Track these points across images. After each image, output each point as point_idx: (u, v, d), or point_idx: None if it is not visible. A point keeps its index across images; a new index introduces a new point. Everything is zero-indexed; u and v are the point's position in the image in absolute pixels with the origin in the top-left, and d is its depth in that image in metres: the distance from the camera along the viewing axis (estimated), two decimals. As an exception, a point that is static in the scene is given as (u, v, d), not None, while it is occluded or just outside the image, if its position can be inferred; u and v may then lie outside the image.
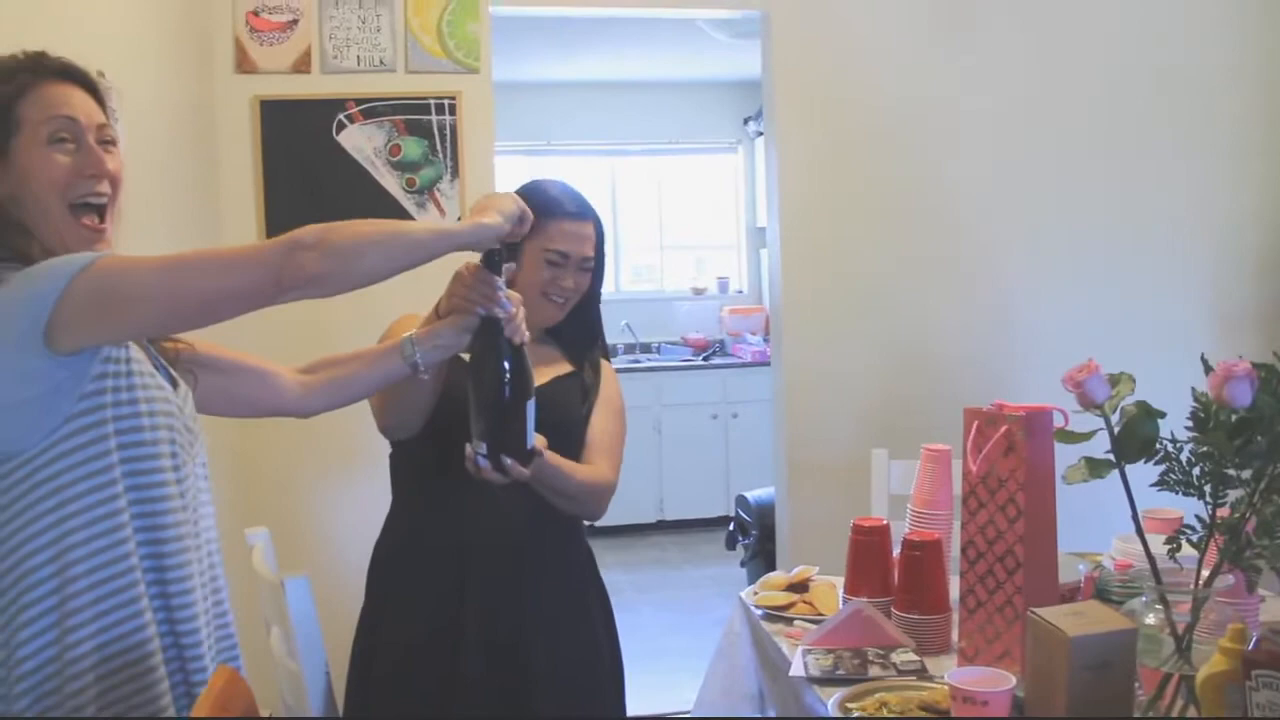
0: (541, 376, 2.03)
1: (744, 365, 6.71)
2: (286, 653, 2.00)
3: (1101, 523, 2.06)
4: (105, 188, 1.46)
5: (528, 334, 1.76)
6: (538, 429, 1.81)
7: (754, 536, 4.65)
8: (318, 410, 1.79)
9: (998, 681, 1.51)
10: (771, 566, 4.01)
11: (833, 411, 3.75)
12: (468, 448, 1.75)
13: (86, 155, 1.44)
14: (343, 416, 1.97)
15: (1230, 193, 3.95)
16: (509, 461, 1.73)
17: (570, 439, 2.01)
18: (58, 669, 1.33)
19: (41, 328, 1.29)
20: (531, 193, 2.07)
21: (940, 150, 3.78)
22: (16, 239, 1.40)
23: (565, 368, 2.12)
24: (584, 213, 2.09)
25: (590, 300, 2.14)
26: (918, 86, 3.76)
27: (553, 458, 1.87)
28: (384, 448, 2.10)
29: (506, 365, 1.71)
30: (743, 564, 4.81)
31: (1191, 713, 1.54)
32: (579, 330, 2.15)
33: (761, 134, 4.28)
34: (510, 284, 1.79)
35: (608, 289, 2.35)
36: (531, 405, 1.74)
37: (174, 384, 1.52)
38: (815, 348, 3.76)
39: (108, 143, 1.48)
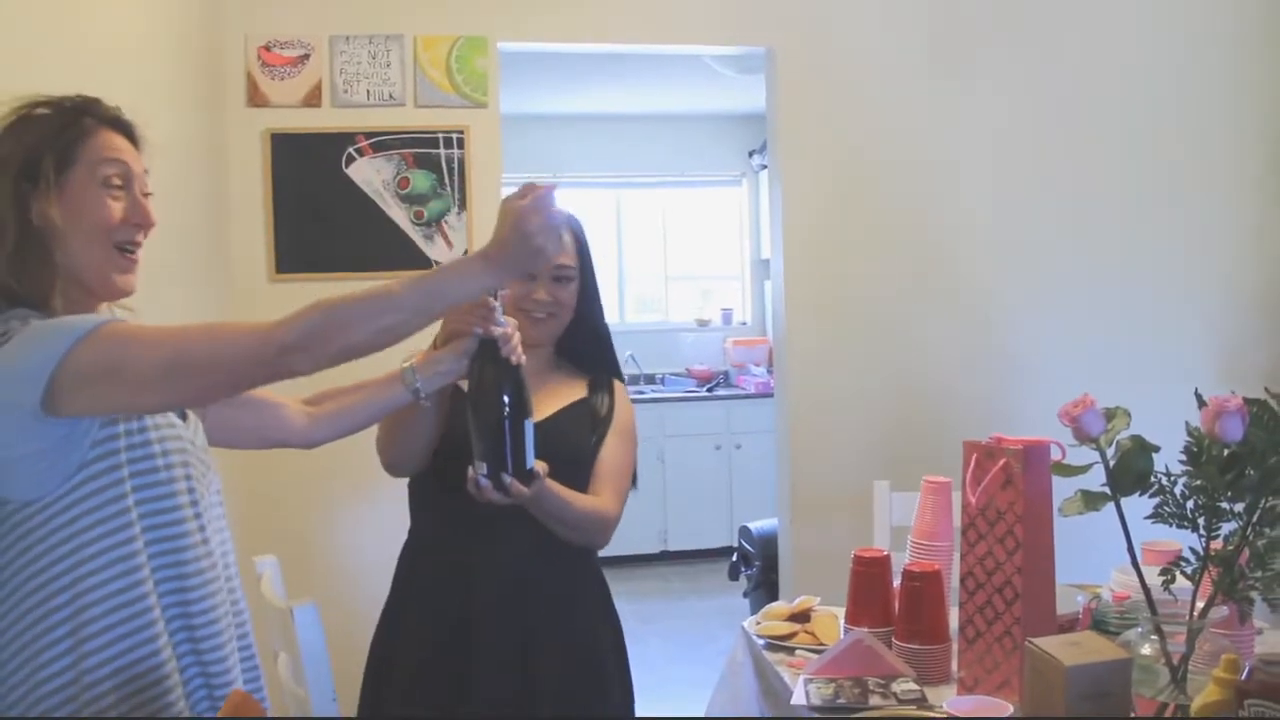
0: (549, 406, 2.04)
1: (748, 396, 6.74)
2: (294, 680, 2.03)
3: (1101, 555, 2.09)
4: (142, 237, 1.52)
5: (524, 356, 1.80)
6: (546, 461, 1.84)
7: (757, 567, 4.67)
8: (322, 441, 1.83)
9: (995, 710, 1.54)
10: (775, 597, 4.02)
11: (836, 443, 3.78)
12: (469, 470, 1.77)
13: (135, 205, 1.50)
14: (355, 445, 2.00)
15: (1231, 231, 3.99)
16: (509, 480, 1.75)
17: (579, 471, 2.01)
18: (76, 709, 1.36)
19: (39, 396, 1.30)
20: None
21: (943, 184, 3.83)
22: (42, 277, 1.43)
23: (576, 394, 2.11)
24: None
25: (588, 314, 2.12)
26: (920, 120, 3.81)
27: (553, 485, 1.88)
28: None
29: (504, 384, 1.74)
30: (746, 595, 4.82)
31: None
32: (585, 347, 2.14)
33: (765, 167, 4.32)
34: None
35: (611, 320, 2.35)
36: (530, 425, 1.76)
37: (184, 415, 1.55)
38: (818, 379, 3.79)
39: (147, 194, 1.54)
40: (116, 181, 1.48)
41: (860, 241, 3.80)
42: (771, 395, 4.19)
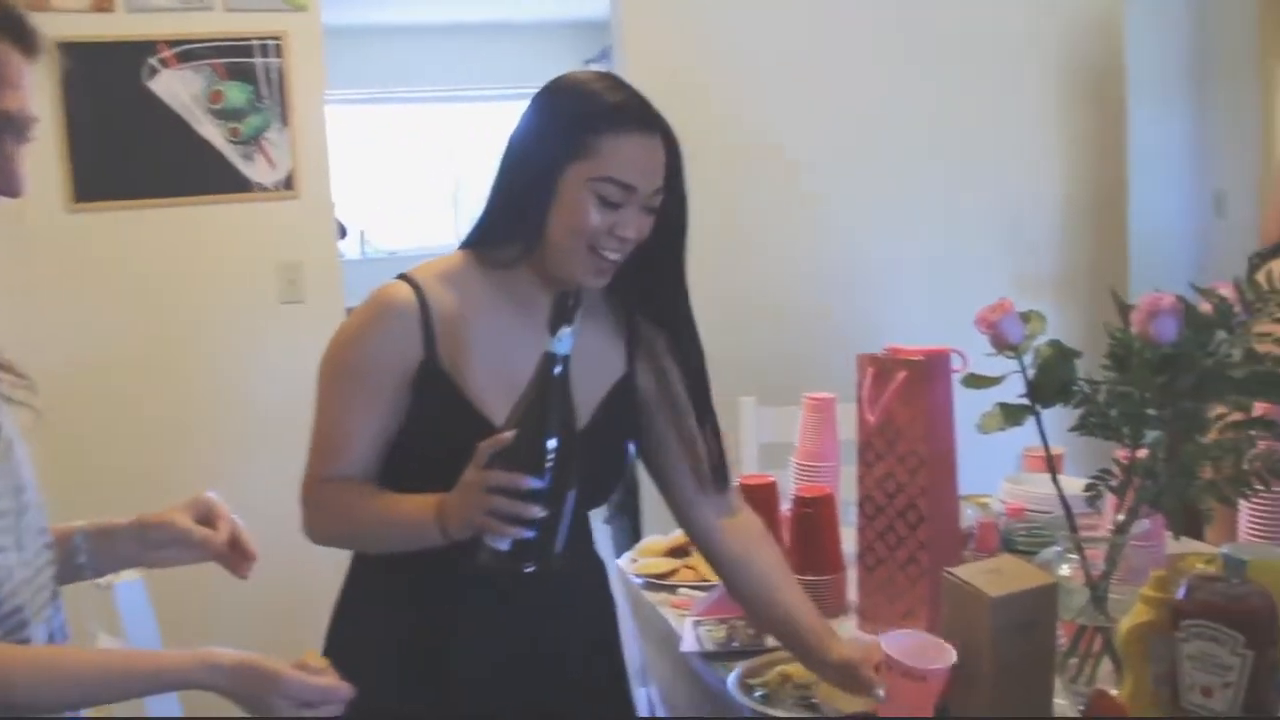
0: (584, 400, 1.47)
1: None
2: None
3: (981, 464, 1.98)
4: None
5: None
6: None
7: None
8: None
9: (937, 652, 1.37)
10: (637, 523, 3.90)
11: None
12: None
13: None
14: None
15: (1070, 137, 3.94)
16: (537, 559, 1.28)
17: (612, 484, 1.65)
18: None
19: None
20: (570, 96, 1.52)
21: (801, 91, 3.65)
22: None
23: (613, 367, 1.59)
24: (651, 121, 1.47)
25: (668, 254, 1.54)
26: (776, 24, 3.62)
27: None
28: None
29: (555, 434, 1.26)
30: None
31: (1106, 664, 1.47)
32: (653, 300, 1.59)
33: (609, 75, 4.10)
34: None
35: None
36: (573, 496, 1.30)
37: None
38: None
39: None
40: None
41: (715, 149, 3.59)
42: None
